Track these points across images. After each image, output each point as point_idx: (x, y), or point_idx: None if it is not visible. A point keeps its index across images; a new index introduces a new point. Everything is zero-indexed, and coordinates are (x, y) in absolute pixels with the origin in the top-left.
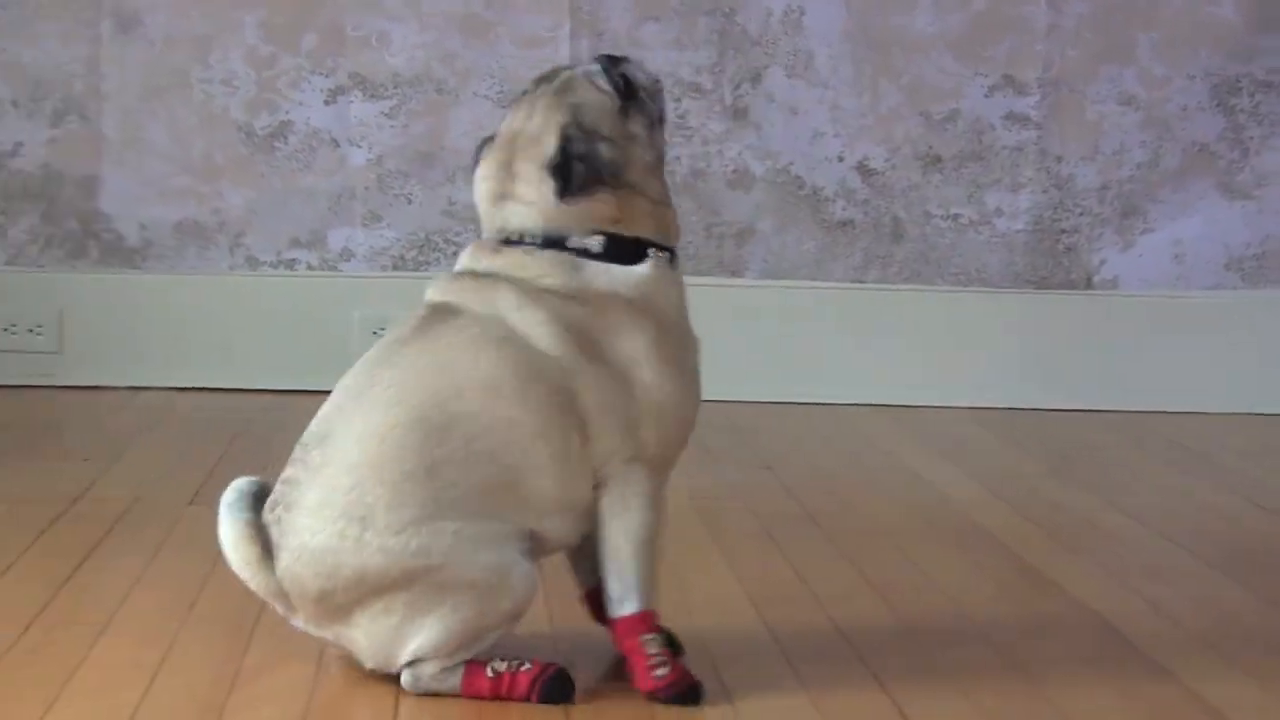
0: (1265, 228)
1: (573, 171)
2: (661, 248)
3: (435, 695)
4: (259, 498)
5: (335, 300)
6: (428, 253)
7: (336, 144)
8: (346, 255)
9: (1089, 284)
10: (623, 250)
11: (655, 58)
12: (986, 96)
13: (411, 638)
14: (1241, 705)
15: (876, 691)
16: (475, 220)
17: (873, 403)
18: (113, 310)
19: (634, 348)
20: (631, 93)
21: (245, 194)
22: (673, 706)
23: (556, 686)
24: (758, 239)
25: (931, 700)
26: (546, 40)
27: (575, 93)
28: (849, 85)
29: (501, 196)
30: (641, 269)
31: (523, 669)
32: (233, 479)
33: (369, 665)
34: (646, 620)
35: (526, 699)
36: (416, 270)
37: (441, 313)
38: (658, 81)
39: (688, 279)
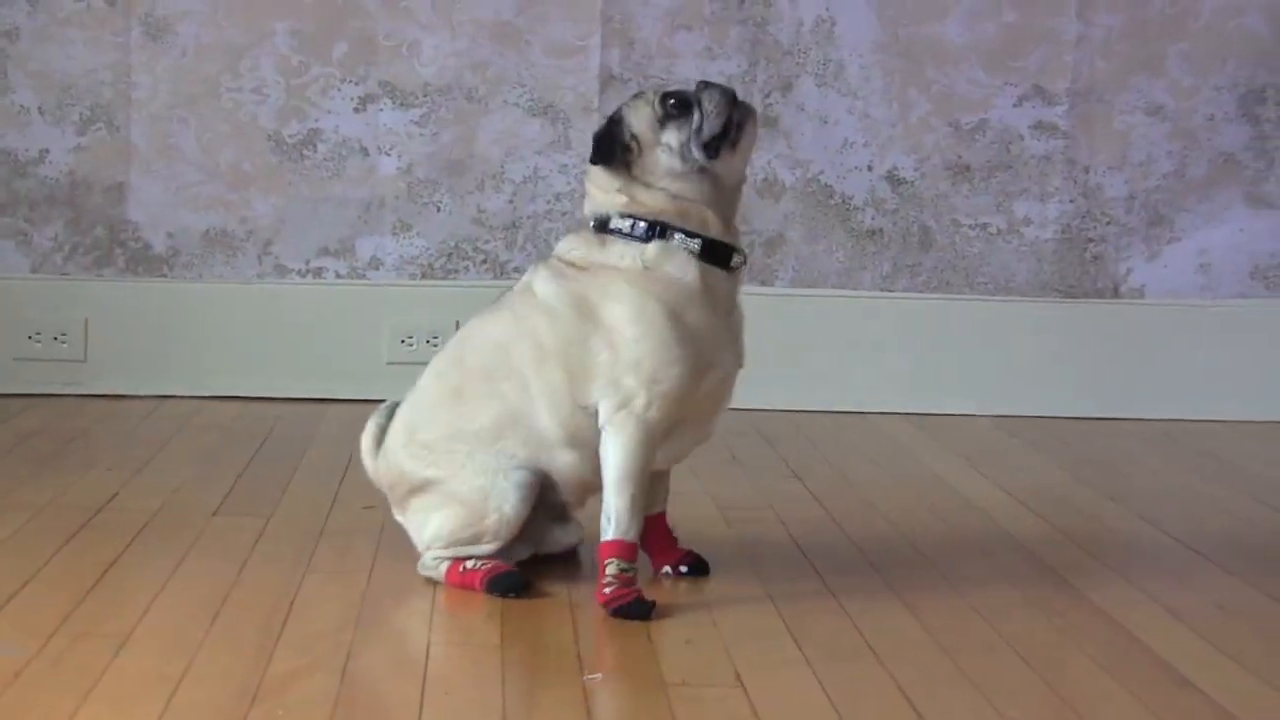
0: None
1: (595, 142)
2: (691, 234)
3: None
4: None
5: (364, 309)
6: (457, 261)
7: (366, 152)
8: (375, 264)
9: (1116, 293)
10: (640, 230)
11: (686, 66)
12: (1015, 106)
13: (426, 529)
14: (1263, 715)
15: (899, 698)
16: (505, 228)
17: (901, 411)
18: (139, 319)
19: (619, 312)
20: (677, 111)
21: (274, 202)
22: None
23: (502, 581)
24: (787, 248)
25: (954, 709)
26: (577, 49)
27: (635, 101)
28: (879, 95)
29: (586, 191)
30: (650, 246)
31: (483, 566)
32: (258, 490)
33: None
34: (616, 547)
35: (480, 588)
36: (445, 279)
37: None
38: (726, 110)
39: None
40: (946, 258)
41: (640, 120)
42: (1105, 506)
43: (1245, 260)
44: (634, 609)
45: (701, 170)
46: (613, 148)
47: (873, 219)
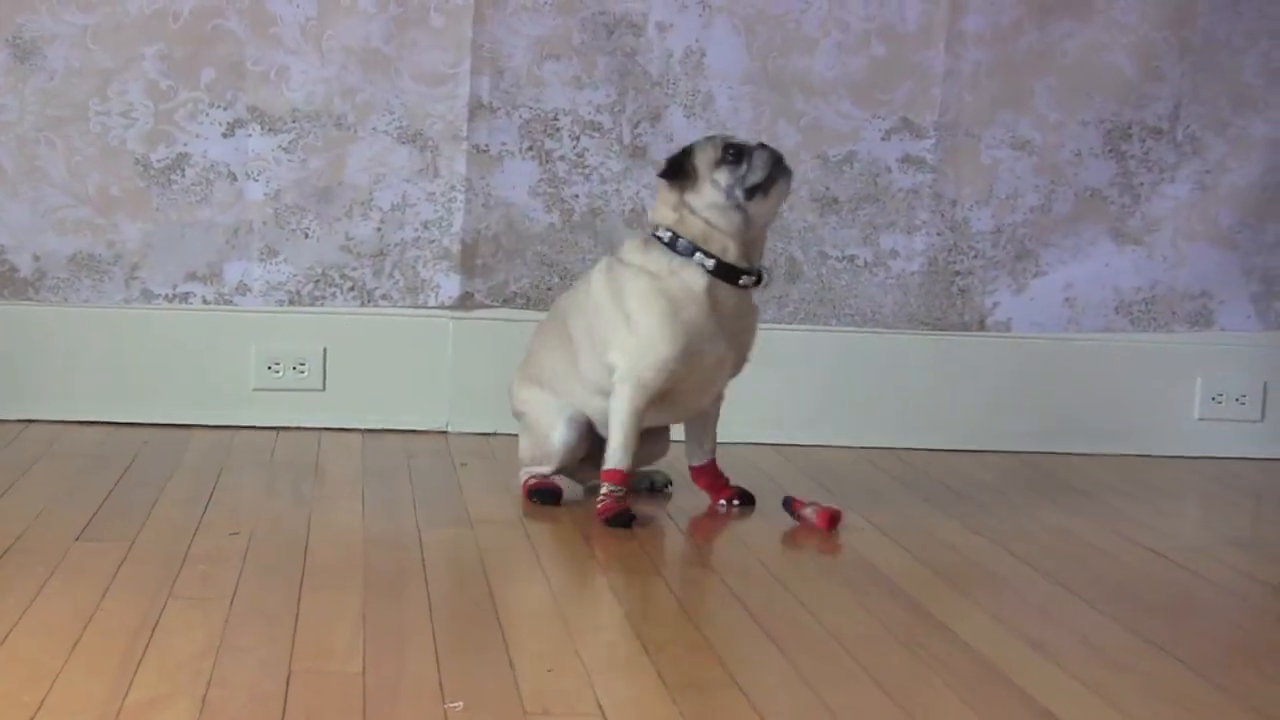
0: (1153, 273)
1: (667, 162)
2: (709, 255)
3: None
4: None
5: (230, 335)
6: (324, 288)
7: (234, 178)
8: (242, 289)
9: (982, 326)
10: (676, 244)
11: (555, 95)
12: (883, 139)
13: (521, 447)
14: None
15: None
16: (373, 255)
17: (766, 442)
18: (4, 342)
19: (636, 301)
20: (733, 159)
21: (141, 227)
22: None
23: (540, 493)
24: None
25: None
26: (448, 77)
27: (704, 142)
28: (748, 126)
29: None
30: (676, 258)
31: (533, 479)
32: (122, 516)
33: None
34: (611, 474)
35: (528, 496)
36: (313, 305)
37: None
38: (769, 168)
39: None
40: (814, 289)
41: (704, 158)
42: (968, 539)
43: (1110, 295)
44: (617, 518)
45: (737, 208)
46: (676, 170)
47: None
